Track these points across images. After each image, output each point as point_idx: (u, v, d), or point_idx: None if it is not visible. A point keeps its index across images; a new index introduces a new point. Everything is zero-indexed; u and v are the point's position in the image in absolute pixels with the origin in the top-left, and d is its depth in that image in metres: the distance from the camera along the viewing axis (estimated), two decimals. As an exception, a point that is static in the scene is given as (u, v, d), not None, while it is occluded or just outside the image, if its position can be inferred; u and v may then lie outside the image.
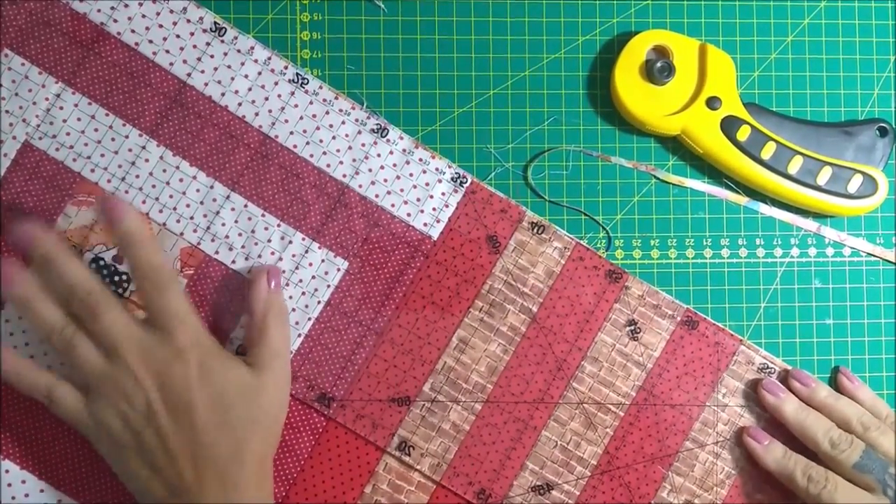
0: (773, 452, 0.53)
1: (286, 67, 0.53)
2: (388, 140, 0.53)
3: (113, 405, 0.47)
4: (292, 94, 0.53)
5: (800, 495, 0.52)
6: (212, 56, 0.52)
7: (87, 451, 0.51)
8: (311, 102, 0.53)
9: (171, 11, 0.52)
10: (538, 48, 0.55)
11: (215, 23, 0.52)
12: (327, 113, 0.53)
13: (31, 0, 0.51)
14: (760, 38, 0.56)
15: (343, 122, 0.53)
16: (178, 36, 0.52)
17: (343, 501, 0.52)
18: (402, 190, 0.53)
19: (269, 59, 0.53)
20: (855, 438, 0.52)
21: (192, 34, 0.52)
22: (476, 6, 0.55)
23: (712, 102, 0.53)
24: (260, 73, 0.53)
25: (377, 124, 0.53)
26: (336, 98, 0.53)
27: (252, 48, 0.53)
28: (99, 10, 0.52)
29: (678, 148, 0.55)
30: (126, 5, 0.52)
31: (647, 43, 0.54)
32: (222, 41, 0.52)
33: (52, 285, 0.48)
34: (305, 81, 0.53)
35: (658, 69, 0.53)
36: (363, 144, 0.53)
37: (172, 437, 0.46)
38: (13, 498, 0.50)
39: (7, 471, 0.50)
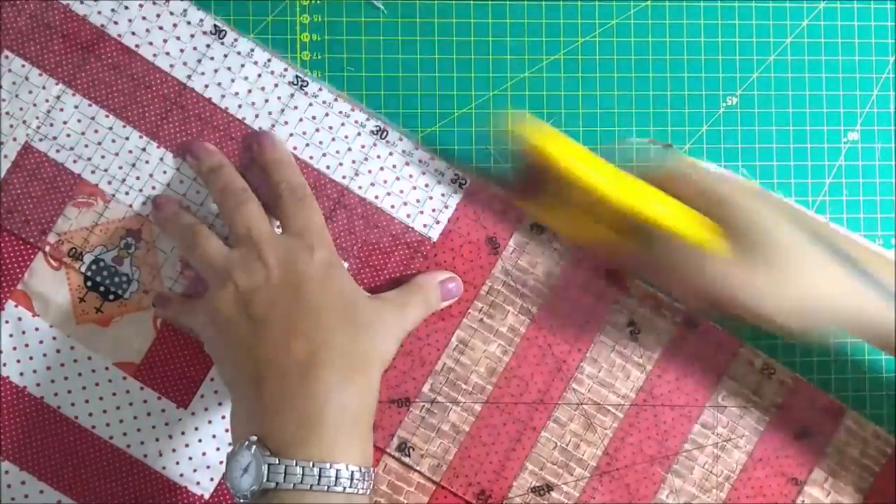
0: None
1: (286, 69, 0.53)
2: (387, 141, 0.53)
3: (263, 252, 0.47)
4: (292, 95, 0.53)
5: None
6: (212, 58, 0.52)
7: (87, 452, 0.51)
8: (310, 104, 0.53)
9: (172, 13, 0.52)
10: (537, 50, 0.55)
11: (215, 25, 0.53)
12: (327, 115, 0.53)
13: (32, 2, 0.52)
14: (760, 40, 0.56)
15: (343, 124, 0.53)
16: (178, 38, 0.52)
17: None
18: (401, 191, 0.53)
19: (269, 60, 0.53)
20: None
21: (192, 36, 0.52)
22: (476, 7, 0.55)
23: None
24: (260, 76, 0.53)
25: (377, 126, 0.53)
26: (336, 100, 0.53)
27: (252, 50, 0.53)
28: (99, 12, 0.52)
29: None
30: (126, 7, 0.52)
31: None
32: (222, 43, 0.53)
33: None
34: (305, 83, 0.53)
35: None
36: (363, 146, 0.53)
37: (289, 306, 0.46)
38: (13, 498, 0.50)
39: (7, 471, 0.50)
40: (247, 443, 0.43)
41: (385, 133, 0.53)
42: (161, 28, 0.52)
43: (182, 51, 0.52)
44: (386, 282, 0.53)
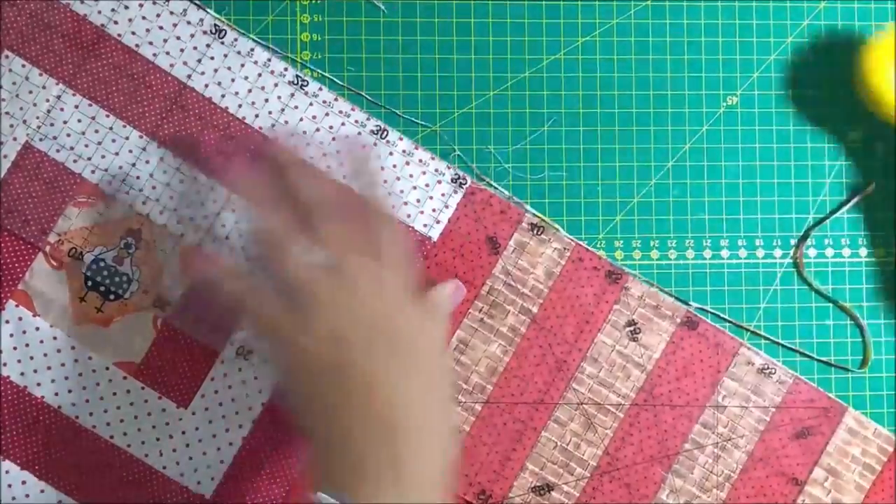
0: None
1: (286, 69, 0.53)
2: (387, 141, 0.53)
3: (315, 312, 0.44)
4: (292, 95, 0.53)
5: None
6: (212, 58, 0.52)
7: (87, 451, 0.51)
8: (310, 104, 0.53)
9: (172, 13, 0.52)
10: (538, 49, 0.55)
11: (215, 25, 0.53)
12: (327, 115, 0.53)
13: (32, 1, 0.52)
14: (760, 40, 0.56)
15: (343, 124, 0.53)
16: (178, 38, 0.52)
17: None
18: (401, 191, 0.53)
19: (269, 60, 0.53)
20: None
21: (192, 36, 0.52)
22: (476, 7, 0.55)
23: None
24: (260, 75, 0.53)
25: (377, 126, 0.53)
26: (336, 100, 0.53)
27: (252, 50, 0.53)
28: (99, 12, 0.52)
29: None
30: (126, 7, 0.52)
31: None
32: (222, 43, 0.53)
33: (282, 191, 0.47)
34: (305, 83, 0.53)
35: None
36: (363, 146, 0.53)
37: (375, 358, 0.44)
38: (13, 498, 0.50)
39: (7, 471, 0.50)
40: (331, 496, 0.42)
41: (385, 133, 0.53)
42: (161, 28, 0.52)
43: (182, 50, 0.52)
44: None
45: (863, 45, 0.54)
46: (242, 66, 0.53)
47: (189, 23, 0.52)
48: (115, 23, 0.52)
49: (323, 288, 0.45)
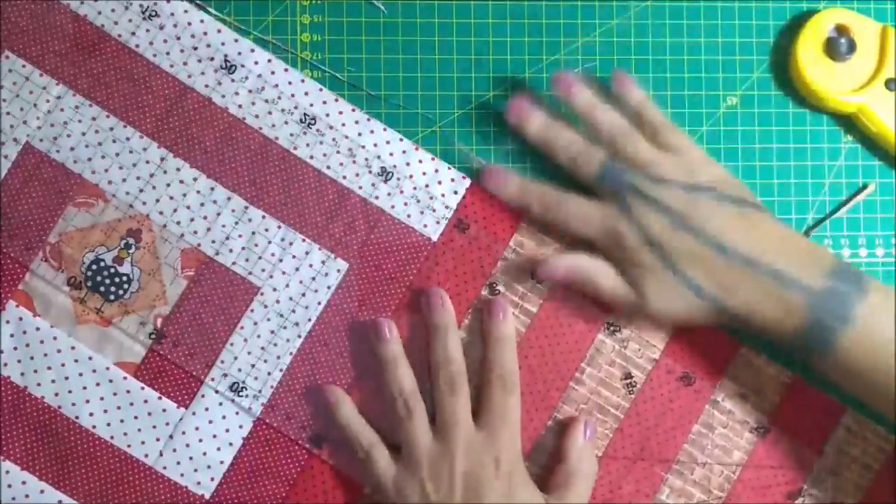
0: (509, 187, 0.52)
1: (286, 69, 0.53)
2: (387, 141, 0.53)
3: (420, 481, 0.48)
4: (292, 95, 0.53)
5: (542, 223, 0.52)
6: (211, 58, 0.52)
7: (87, 451, 0.51)
8: (311, 104, 0.53)
9: (172, 14, 0.52)
10: (537, 50, 0.55)
11: (216, 25, 0.53)
12: (327, 115, 0.53)
13: (33, 2, 0.52)
14: (760, 40, 0.56)
15: (343, 124, 0.53)
16: (178, 38, 0.52)
17: (343, 501, 0.52)
18: (402, 192, 0.53)
19: (270, 61, 0.53)
20: (596, 150, 0.51)
21: (192, 36, 0.52)
22: (476, 8, 0.55)
23: (891, 84, 0.54)
24: (260, 76, 0.53)
25: (377, 126, 0.53)
26: (336, 100, 0.53)
27: (252, 50, 0.53)
28: (100, 13, 0.52)
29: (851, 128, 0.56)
30: (126, 7, 0.52)
31: (830, 21, 0.55)
32: (223, 43, 0.53)
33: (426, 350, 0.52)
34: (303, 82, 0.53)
35: (841, 45, 0.54)
36: (363, 146, 0.53)
37: None
38: (13, 498, 0.50)
39: (7, 471, 0.50)
40: None
41: (385, 132, 0.53)
42: (161, 28, 0.52)
43: (182, 51, 0.52)
44: (386, 283, 0.53)
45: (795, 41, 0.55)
46: (243, 66, 0.53)
47: (189, 23, 0.52)
48: (116, 23, 0.52)
49: (431, 452, 0.49)
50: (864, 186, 0.56)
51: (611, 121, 0.51)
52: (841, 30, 0.55)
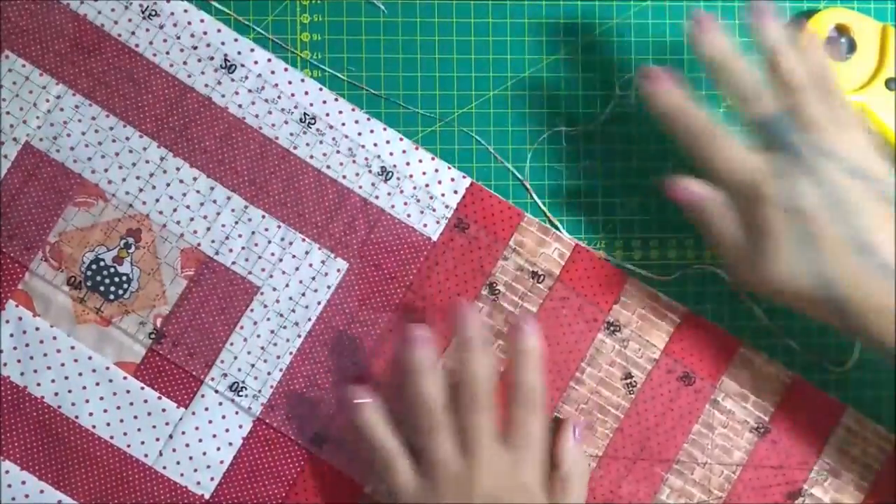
0: (670, 97, 0.49)
1: (286, 69, 0.53)
2: (387, 141, 0.53)
3: (441, 495, 0.47)
4: (292, 95, 0.53)
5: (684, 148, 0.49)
6: (211, 58, 0.52)
7: (87, 451, 0.51)
8: (310, 104, 0.53)
9: (172, 14, 0.52)
10: (538, 49, 0.55)
11: (216, 25, 0.53)
12: (327, 115, 0.53)
13: (33, 1, 0.52)
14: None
15: (343, 124, 0.53)
16: (178, 38, 0.52)
17: (343, 501, 0.52)
18: (402, 191, 0.53)
19: (270, 60, 0.53)
20: (771, 95, 0.48)
21: (192, 36, 0.52)
22: (476, 7, 0.55)
23: (891, 83, 0.54)
24: (260, 75, 0.53)
25: (378, 125, 0.53)
26: (336, 100, 0.53)
27: (252, 50, 0.53)
28: (100, 12, 0.52)
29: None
30: (127, 7, 0.52)
31: (830, 20, 0.55)
32: (223, 43, 0.53)
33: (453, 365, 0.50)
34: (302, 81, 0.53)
35: (841, 45, 0.54)
36: (363, 146, 0.53)
37: None
38: (13, 498, 0.50)
39: (7, 471, 0.50)
40: None
41: (385, 132, 0.53)
42: (161, 27, 0.52)
43: (182, 51, 0.52)
44: (386, 283, 0.53)
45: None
46: (243, 65, 0.53)
47: (189, 23, 0.52)
48: (116, 23, 0.52)
49: (452, 470, 0.47)
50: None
51: (799, 70, 0.47)
52: (841, 29, 0.55)
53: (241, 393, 0.52)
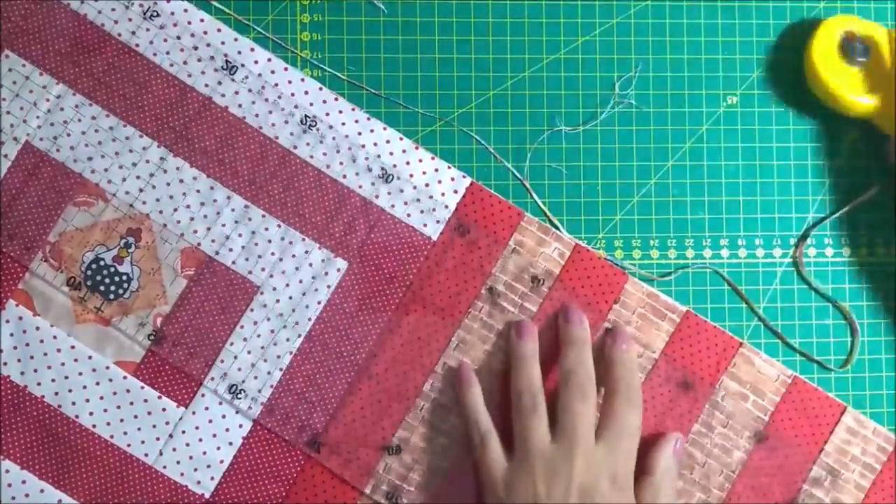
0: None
1: (286, 69, 0.53)
2: (387, 141, 0.53)
3: (533, 480, 0.48)
4: (292, 94, 0.53)
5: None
6: (212, 58, 0.52)
7: (87, 451, 0.51)
8: (311, 104, 0.53)
9: (172, 14, 0.52)
10: (538, 49, 0.55)
11: (216, 25, 0.53)
12: (327, 114, 0.53)
13: (33, 1, 0.52)
14: (760, 40, 0.56)
15: (343, 124, 0.53)
16: (178, 38, 0.52)
17: (343, 501, 0.52)
18: (401, 191, 0.53)
19: (270, 60, 0.53)
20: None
21: (192, 36, 0.52)
22: (476, 7, 0.55)
23: None
24: (260, 75, 0.53)
25: (377, 125, 0.53)
26: (336, 99, 0.53)
27: (252, 50, 0.53)
28: (100, 12, 0.52)
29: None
30: (127, 7, 0.52)
31: (841, 26, 0.55)
32: (223, 43, 0.53)
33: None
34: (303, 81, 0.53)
35: (855, 48, 0.54)
36: (363, 146, 0.53)
37: None
38: (13, 498, 0.50)
39: (7, 471, 0.50)
40: None
41: (385, 132, 0.53)
42: (162, 28, 0.52)
43: (182, 50, 0.52)
44: (385, 283, 0.53)
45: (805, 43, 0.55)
46: (243, 65, 0.53)
47: (189, 23, 0.52)
48: (116, 23, 0.52)
49: (548, 453, 0.49)
50: (867, 188, 0.56)
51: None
52: (852, 35, 0.55)
53: (239, 396, 0.52)
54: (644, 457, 0.51)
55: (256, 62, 0.53)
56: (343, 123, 0.53)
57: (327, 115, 0.53)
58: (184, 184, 0.52)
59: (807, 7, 0.56)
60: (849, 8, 0.56)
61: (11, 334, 0.51)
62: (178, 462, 0.51)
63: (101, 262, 0.52)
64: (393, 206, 0.53)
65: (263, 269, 0.52)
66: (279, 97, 0.53)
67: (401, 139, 0.53)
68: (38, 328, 0.51)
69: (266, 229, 0.52)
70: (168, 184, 0.52)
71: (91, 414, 0.51)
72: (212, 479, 0.51)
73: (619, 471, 0.49)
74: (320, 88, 0.53)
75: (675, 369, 0.54)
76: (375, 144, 0.53)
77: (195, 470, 0.51)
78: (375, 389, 0.52)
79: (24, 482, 0.50)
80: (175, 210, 0.52)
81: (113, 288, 0.52)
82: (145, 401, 0.51)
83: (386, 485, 0.52)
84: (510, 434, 0.51)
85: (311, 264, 0.52)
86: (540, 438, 0.49)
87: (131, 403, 0.51)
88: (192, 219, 0.52)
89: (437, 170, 0.53)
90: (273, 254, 0.52)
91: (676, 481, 0.52)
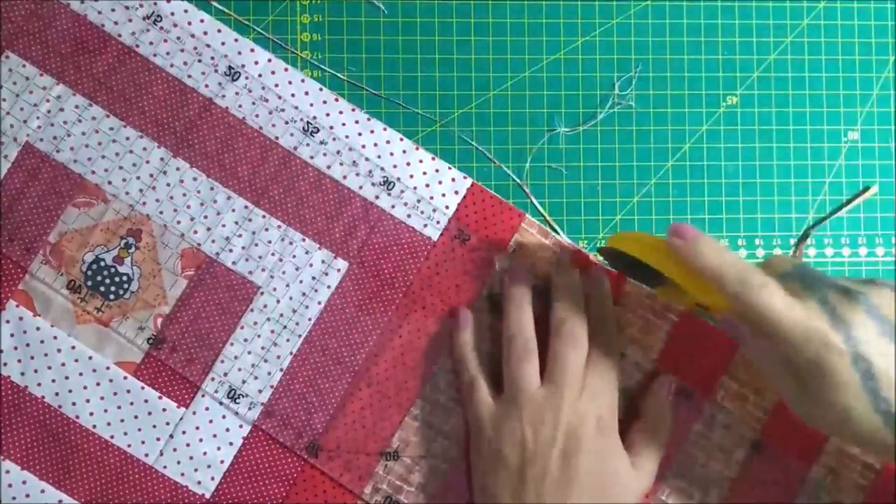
0: (705, 255, 0.45)
1: (286, 69, 0.53)
2: (387, 142, 0.53)
3: (520, 424, 0.48)
4: (292, 95, 0.53)
5: (729, 300, 0.45)
6: (212, 58, 0.53)
7: (87, 451, 0.51)
8: (311, 104, 0.53)
9: (172, 14, 0.52)
10: (538, 49, 0.55)
11: (216, 25, 0.53)
12: (327, 115, 0.53)
13: (33, 1, 0.52)
14: (759, 40, 0.56)
15: (343, 124, 0.53)
16: (178, 38, 0.52)
17: (343, 502, 0.52)
18: (401, 191, 0.53)
19: (270, 60, 0.53)
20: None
21: (192, 36, 0.52)
22: (476, 7, 0.55)
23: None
24: (260, 75, 0.53)
25: (377, 126, 0.53)
26: (336, 100, 0.53)
27: (252, 50, 0.53)
28: (99, 12, 0.52)
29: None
30: (126, 7, 0.52)
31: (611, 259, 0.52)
32: (222, 43, 0.53)
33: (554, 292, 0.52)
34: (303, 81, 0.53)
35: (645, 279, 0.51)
36: (363, 146, 0.53)
37: (549, 480, 0.47)
38: (13, 498, 0.50)
39: (7, 471, 0.50)
40: None
41: (385, 132, 0.53)
42: (161, 28, 0.52)
43: (182, 51, 0.52)
44: (385, 283, 0.53)
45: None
46: (243, 66, 0.53)
47: (189, 23, 0.52)
48: (115, 23, 0.52)
49: (537, 396, 0.49)
50: (867, 188, 0.56)
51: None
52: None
53: (237, 400, 0.52)
54: (637, 401, 0.52)
55: (257, 63, 0.53)
56: (343, 124, 0.53)
57: (327, 115, 0.53)
58: (184, 185, 0.52)
59: (806, 7, 0.56)
60: (849, 8, 0.56)
61: (12, 335, 0.51)
62: (178, 462, 0.51)
63: (102, 263, 0.52)
64: (393, 206, 0.53)
65: (264, 270, 0.52)
66: (280, 97, 0.53)
67: (401, 140, 0.53)
68: (38, 328, 0.51)
69: (266, 230, 0.52)
70: (168, 185, 0.52)
71: (91, 414, 0.51)
72: (212, 479, 0.51)
73: (603, 414, 0.49)
74: (320, 89, 0.53)
75: (675, 369, 0.54)
76: (376, 145, 0.53)
77: (195, 470, 0.51)
78: (375, 391, 0.52)
79: (24, 482, 0.51)
80: (175, 211, 0.52)
81: (113, 288, 0.52)
82: (145, 401, 0.51)
83: (386, 485, 0.52)
84: (500, 381, 0.51)
85: (311, 265, 0.52)
86: (530, 383, 0.49)
87: (131, 404, 0.51)
88: (192, 220, 0.52)
89: (437, 170, 0.53)
90: (273, 255, 0.52)
91: (669, 424, 0.52)
